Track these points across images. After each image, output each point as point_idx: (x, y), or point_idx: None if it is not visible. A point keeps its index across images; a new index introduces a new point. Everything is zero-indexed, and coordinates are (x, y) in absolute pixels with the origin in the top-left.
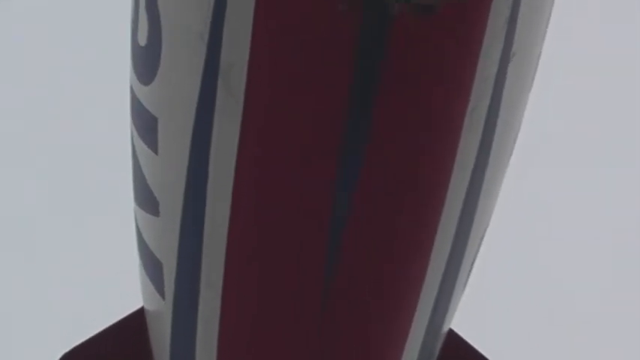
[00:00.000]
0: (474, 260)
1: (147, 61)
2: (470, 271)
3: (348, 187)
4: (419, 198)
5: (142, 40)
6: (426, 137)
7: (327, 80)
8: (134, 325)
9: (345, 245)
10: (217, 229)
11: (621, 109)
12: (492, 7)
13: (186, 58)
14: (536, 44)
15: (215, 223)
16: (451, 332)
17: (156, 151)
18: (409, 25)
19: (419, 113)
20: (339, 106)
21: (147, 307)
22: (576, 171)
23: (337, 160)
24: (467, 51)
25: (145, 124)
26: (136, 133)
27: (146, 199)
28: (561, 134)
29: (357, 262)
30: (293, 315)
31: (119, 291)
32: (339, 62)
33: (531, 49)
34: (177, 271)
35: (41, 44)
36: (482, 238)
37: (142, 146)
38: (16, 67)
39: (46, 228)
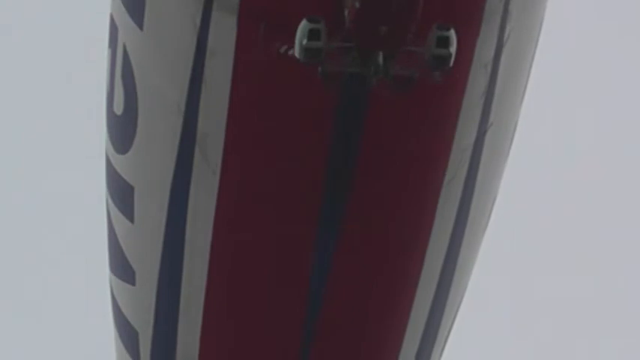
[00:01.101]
0: (453, 318)
1: (123, 129)
2: (450, 327)
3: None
4: (397, 263)
5: (118, 109)
6: (403, 208)
7: (304, 152)
8: None
9: (324, 312)
10: (194, 297)
11: None
12: (470, 80)
13: (163, 127)
14: (514, 113)
15: (192, 291)
16: None
17: (132, 220)
18: (387, 98)
19: (396, 185)
20: (316, 178)
21: None
22: None
23: (315, 230)
24: (444, 123)
25: (121, 193)
26: (111, 201)
27: (122, 267)
28: None
29: (335, 325)
30: None
31: None
32: (317, 134)
33: (508, 118)
34: (152, 339)
35: None
36: (462, 298)
37: (117, 214)
38: None
39: None
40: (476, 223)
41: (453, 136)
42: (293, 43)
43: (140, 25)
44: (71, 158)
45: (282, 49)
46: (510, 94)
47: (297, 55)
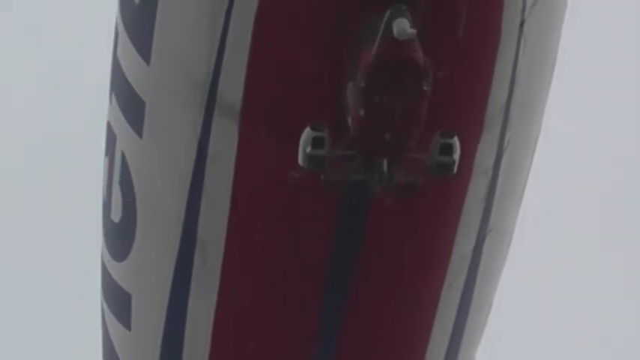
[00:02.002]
0: None
1: (121, 237)
2: None
3: None
4: None
5: (116, 217)
6: (403, 312)
7: (304, 258)
8: None
9: None
10: None
11: None
12: (470, 187)
13: (163, 234)
14: (512, 218)
15: None
16: None
17: (129, 327)
18: (389, 204)
19: (396, 290)
20: (316, 284)
21: None
22: None
23: (315, 336)
24: (445, 230)
25: (118, 300)
26: (106, 306)
27: None
28: None
29: None
30: None
31: None
32: (318, 240)
33: (507, 223)
34: None
35: None
36: None
37: (113, 320)
38: None
39: None
40: (474, 324)
41: (453, 242)
42: (295, 149)
43: (139, 133)
44: None
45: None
46: (509, 199)
47: (300, 162)
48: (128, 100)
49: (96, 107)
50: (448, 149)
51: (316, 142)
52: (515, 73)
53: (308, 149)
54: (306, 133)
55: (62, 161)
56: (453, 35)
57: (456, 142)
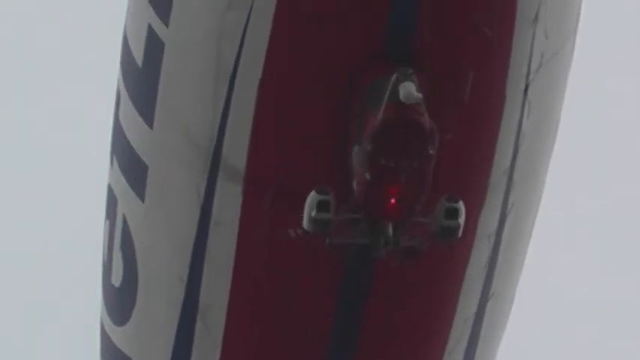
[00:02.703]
0: None
1: (122, 301)
2: None
3: None
4: None
5: (117, 281)
6: None
7: (307, 323)
8: None
9: None
10: None
11: None
12: (473, 252)
13: (164, 299)
14: (514, 283)
15: None
16: None
17: None
18: (393, 267)
19: (399, 354)
20: (319, 350)
21: None
22: None
23: None
24: (447, 295)
25: None
26: None
27: None
28: None
29: None
30: None
31: None
32: (321, 306)
33: (509, 287)
34: None
35: None
36: None
37: None
38: None
39: None
40: None
41: (455, 307)
42: (299, 212)
43: (142, 196)
44: None
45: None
46: (511, 265)
47: (305, 226)
48: (130, 163)
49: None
50: (454, 213)
51: (321, 206)
52: (519, 137)
53: (313, 213)
54: (312, 197)
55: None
56: (458, 99)
57: (461, 206)
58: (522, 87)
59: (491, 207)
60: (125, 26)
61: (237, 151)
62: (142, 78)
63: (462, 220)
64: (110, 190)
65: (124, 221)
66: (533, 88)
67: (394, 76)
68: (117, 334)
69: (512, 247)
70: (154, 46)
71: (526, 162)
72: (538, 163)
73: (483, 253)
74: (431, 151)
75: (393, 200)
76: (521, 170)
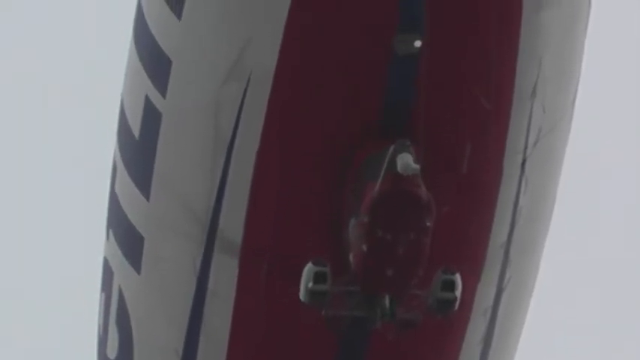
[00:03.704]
0: None
1: None
2: None
3: None
4: None
5: (112, 354)
6: None
7: None
8: None
9: None
10: None
11: None
12: (470, 326)
13: None
14: (511, 357)
15: None
16: None
17: None
18: (389, 339)
19: None
20: None
21: None
22: None
23: None
24: None
25: None
26: None
27: None
28: None
29: None
30: None
31: None
32: None
33: None
34: None
35: None
36: None
37: None
38: None
39: None
40: None
41: None
42: (296, 286)
43: (138, 269)
44: None
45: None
46: (507, 341)
47: (302, 298)
48: (126, 235)
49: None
50: (450, 286)
51: (318, 278)
52: (516, 212)
53: (310, 284)
54: (308, 269)
55: None
56: (455, 171)
57: (457, 278)
58: (520, 161)
59: (487, 281)
60: (122, 97)
61: (234, 223)
62: (139, 149)
63: (458, 292)
64: (106, 263)
65: (120, 294)
66: (530, 162)
67: (392, 148)
68: None
69: (509, 322)
70: (151, 116)
71: (523, 236)
72: (535, 237)
73: (479, 327)
74: (428, 224)
75: (389, 272)
76: (518, 244)
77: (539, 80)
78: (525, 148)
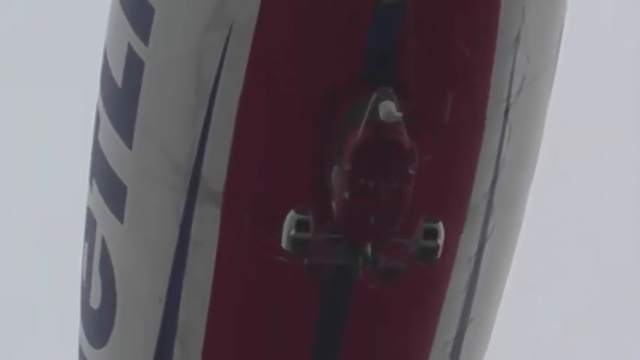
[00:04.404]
0: None
1: (100, 323)
2: None
3: None
4: None
5: (95, 303)
6: None
7: (287, 341)
8: None
9: None
10: None
11: None
12: (453, 274)
13: (143, 320)
14: (493, 309)
15: None
16: None
17: None
18: (372, 288)
19: None
20: None
21: None
22: None
23: None
24: (427, 317)
25: None
26: None
27: None
28: None
29: None
30: None
31: None
32: (300, 325)
33: (488, 314)
34: None
35: None
36: None
37: None
38: None
39: None
40: None
41: (434, 331)
42: (278, 234)
43: (120, 218)
44: None
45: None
46: (491, 289)
47: (284, 245)
48: (109, 185)
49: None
50: (432, 234)
51: (300, 225)
52: (500, 160)
53: (292, 232)
54: (291, 216)
55: None
56: (438, 120)
57: (440, 226)
58: (503, 110)
59: (470, 230)
60: (105, 46)
61: (216, 171)
62: (122, 98)
63: (440, 240)
64: (89, 213)
65: (103, 243)
66: (514, 111)
67: (374, 96)
68: (95, 357)
69: (492, 271)
70: (134, 65)
71: (506, 186)
72: (519, 187)
73: (463, 276)
74: (410, 171)
75: (372, 220)
76: (501, 194)
77: (523, 28)
78: (509, 96)
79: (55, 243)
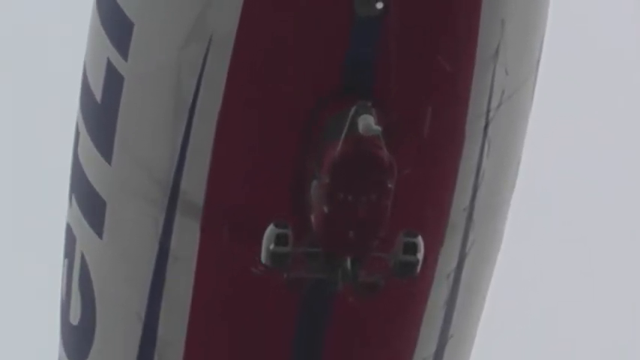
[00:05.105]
0: None
1: (79, 340)
2: None
3: None
4: None
5: (75, 319)
6: None
7: (265, 357)
8: None
9: None
10: None
11: None
12: (432, 290)
13: (122, 336)
14: (473, 326)
15: None
16: None
17: None
18: (351, 303)
19: None
20: None
21: None
22: None
23: None
24: (406, 333)
25: None
26: None
27: None
28: None
29: None
30: None
31: None
32: (279, 342)
33: (468, 331)
34: None
35: None
36: None
37: None
38: None
39: None
40: None
41: (414, 347)
42: (257, 248)
43: (100, 234)
44: None
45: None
46: (471, 304)
47: (263, 260)
48: (89, 200)
49: None
50: (412, 248)
51: (280, 239)
52: (479, 175)
53: (271, 246)
54: (270, 230)
55: None
56: (417, 134)
57: (419, 241)
58: (482, 124)
59: (450, 245)
60: (84, 61)
61: (195, 185)
62: (101, 113)
63: (420, 255)
64: (69, 229)
65: (82, 259)
66: (493, 125)
67: (353, 109)
68: None
69: (472, 287)
70: (113, 80)
71: (486, 201)
72: (499, 202)
73: (442, 291)
74: (389, 185)
75: (351, 234)
76: (481, 209)
77: (502, 42)
78: (488, 110)
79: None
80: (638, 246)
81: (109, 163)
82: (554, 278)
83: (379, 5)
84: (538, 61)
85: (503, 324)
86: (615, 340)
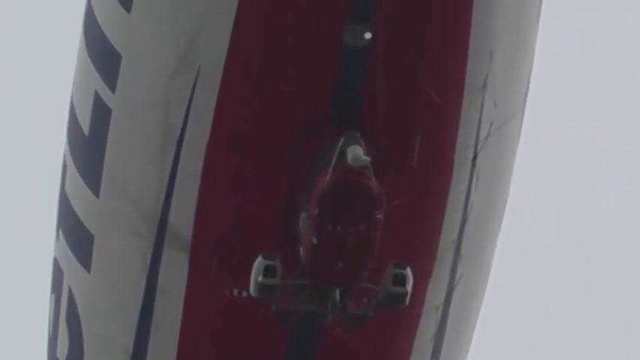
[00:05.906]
0: None
1: None
2: None
3: None
4: None
5: (62, 354)
6: None
7: None
8: None
9: None
10: None
11: None
12: (421, 323)
13: None
14: (462, 359)
15: None
16: None
17: None
18: (339, 334)
19: None
20: None
21: None
22: None
23: None
24: None
25: None
26: None
27: None
28: None
29: None
30: None
31: None
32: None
33: None
34: None
35: None
36: None
37: None
38: None
39: None
40: None
41: None
42: (246, 281)
43: (87, 268)
44: None
45: (236, 292)
46: (459, 338)
47: (251, 292)
48: (76, 234)
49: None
50: (401, 280)
51: (268, 271)
52: (467, 208)
53: (260, 278)
54: (258, 262)
55: None
56: (406, 165)
57: (408, 272)
58: (471, 156)
59: (438, 277)
60: (72, 93)
61: (183, 218)
62: (89, 146)
63: (409, 287)
64: (56, 264)
65: (70, 293)
66: (482, 157)
67: (342, 140)
68: None
69: (461, 319)
70: (101, 112)
71: (474, 233)
72: (487, 234)
73: (431, 323)
74: (378, 216)
75: (339, 265)
76: (469, 241)
77: (490, 74)
78: (476, 142)
79: None
80: (638, 250)
81: (97, 195)
82: (554, 282)
83: (367, 35)
84: (526, 92)
85: (502, 329)
86: (613, 348)
